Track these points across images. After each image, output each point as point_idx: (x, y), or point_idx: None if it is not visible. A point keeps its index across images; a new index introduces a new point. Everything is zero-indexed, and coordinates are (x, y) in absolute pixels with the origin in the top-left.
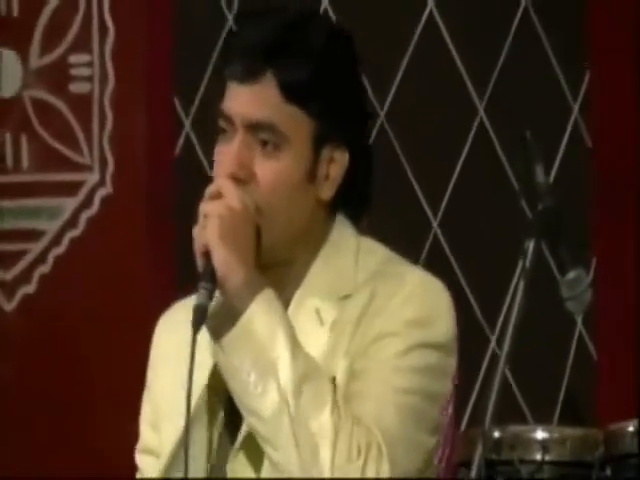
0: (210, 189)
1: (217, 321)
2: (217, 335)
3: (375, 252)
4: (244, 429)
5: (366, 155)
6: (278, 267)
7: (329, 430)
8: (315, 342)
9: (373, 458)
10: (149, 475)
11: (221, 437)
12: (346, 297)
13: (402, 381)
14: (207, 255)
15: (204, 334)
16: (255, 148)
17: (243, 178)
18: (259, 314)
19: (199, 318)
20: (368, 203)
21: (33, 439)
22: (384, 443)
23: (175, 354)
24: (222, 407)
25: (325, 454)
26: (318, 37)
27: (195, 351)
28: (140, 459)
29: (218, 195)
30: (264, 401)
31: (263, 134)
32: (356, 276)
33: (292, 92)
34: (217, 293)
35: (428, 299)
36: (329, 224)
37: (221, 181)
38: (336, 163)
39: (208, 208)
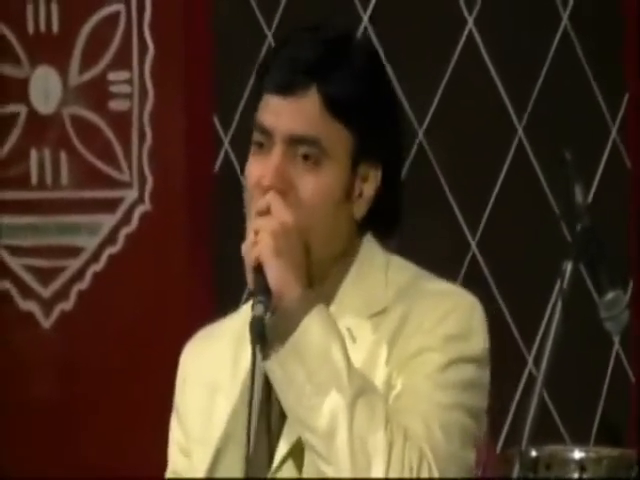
0: (259, 205)
1: (271, 334)
2: (271, 348)
3: (404, 268)
4: (282, 451)
5: (397, 174)
6: (311, 286)
7: (383, 446)
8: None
9: (425, 476)
10: None
11: (258, 457)
12: (378, 314)
13: (445, 397)
14: (259, 269)
15: (228, 354)
16: (295, 162)
17: (284, 190)
18: (314, 328)
19: (259, 330)
20: (398, 223)
21: (68, 455)
22: (434, 461)
23: (204, 380)
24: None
25: (379, 470)
26: (359, 54)
27: (256, 364)
28: None
29: (267, 211)
30: (319, 415)
31: (305, 148)
32: (386, 293)
33: (335, 107)
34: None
35: (464, 313)
36: (358, 242)
37: (270, 197)
38: (369, 181)
39: (260, 223)
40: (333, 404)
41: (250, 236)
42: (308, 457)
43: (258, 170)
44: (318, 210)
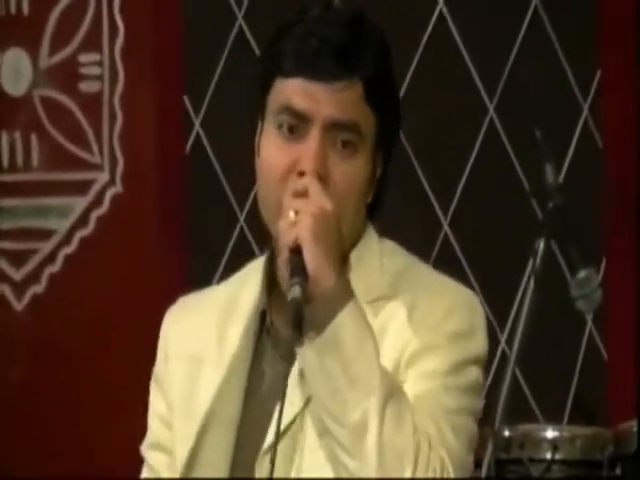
0: (295, 186)
1: (306, 320)
2: (306, 334)
3: (396, 255)
4: (272, 431)
5: (390, 156)
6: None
7: (411, 450)
8: None
9: None
10: (161, 472)
11: (246, 438)
12: (375, 300)
13: (452, 401)
14: (297, 251)
15: (213, 326)
16: (334, 148)
17: (322, 176)
18: (350, 322)
19: (299, 312)
20: (382, 204)
21: (42, 438)
22: (452, 468)
23: (187, 352)
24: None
25: (407, 473)
26: (380, 37)
27: (294, 348)
28: (150, 455)
29: (304, 193)
30: (351, 409)
31: (346, 134)
32: (383, 280)
33: (372, 94)
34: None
35: (468, 311)
36: (364, 229)
37: (308, 181)
38: (380, 164)
39: (300, 205)
40: (366, 401)
41: (289, 215)
42: (306, 441)
43: (291, 154)
44: (351, 197)
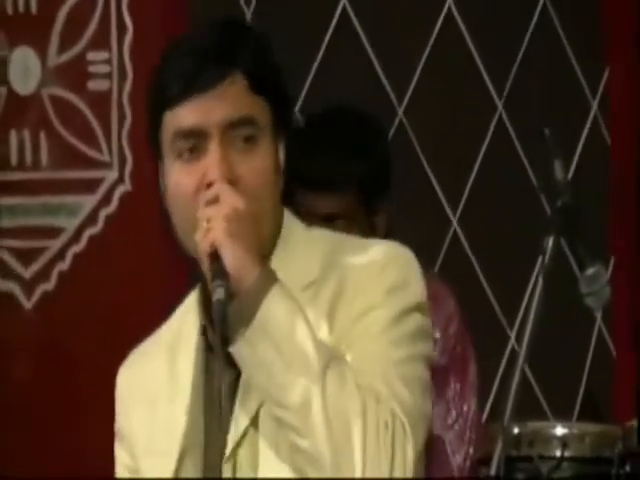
0: (206, 195)
1: (234, 318)
2: (237, 331)
3: (326, 238)
4: (233, 436)
5: (290, 137)
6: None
7: (358, 413)
8: None
9: (399, 435)
10: None
11: (212, 453)
12: (309, 286)
13: (398, 352)
14: (215, 255)
15: (164, 365)
16: (234, 148)
17: (231, 180)
18: (278, 305)
19: (222, 313)
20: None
21: (44, 438)
22: (406, 419)
23: (144, 398)
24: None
25: (357, 435)
26: (252, 30)
27: (221, 350)
28: None
29: (215, 200)
30: (291, 390)
31: (244, 130)
32: (313, 264)
33: (258, 83)
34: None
35: (399, 264)
36: (281, 216)
37: (217, 187)
38: (281, 150)
39: (211, 212)
40: (304, 377)
41: (202, 225)
42: (263, 443)
43: (197, 173)
44: (265, 189)
